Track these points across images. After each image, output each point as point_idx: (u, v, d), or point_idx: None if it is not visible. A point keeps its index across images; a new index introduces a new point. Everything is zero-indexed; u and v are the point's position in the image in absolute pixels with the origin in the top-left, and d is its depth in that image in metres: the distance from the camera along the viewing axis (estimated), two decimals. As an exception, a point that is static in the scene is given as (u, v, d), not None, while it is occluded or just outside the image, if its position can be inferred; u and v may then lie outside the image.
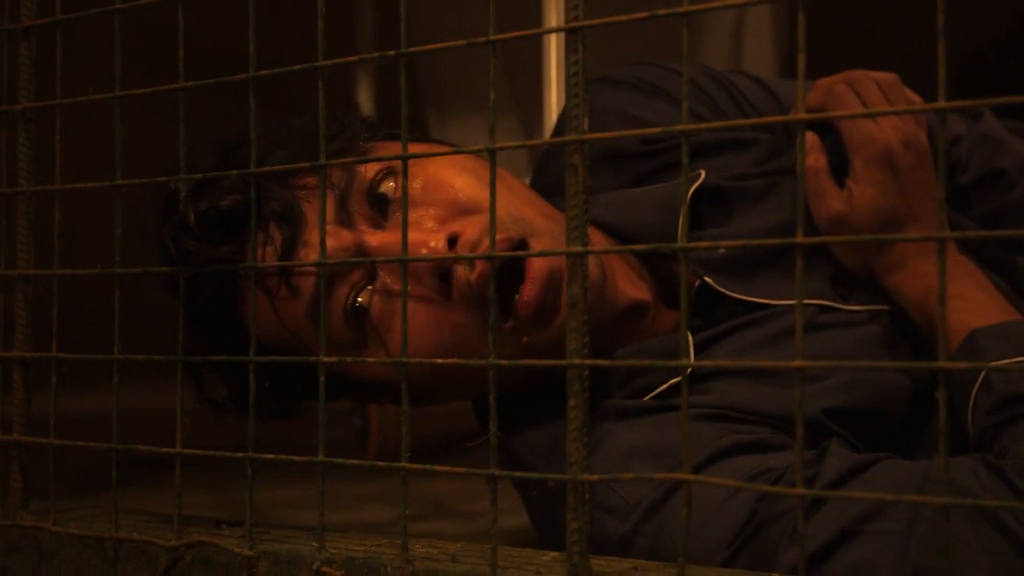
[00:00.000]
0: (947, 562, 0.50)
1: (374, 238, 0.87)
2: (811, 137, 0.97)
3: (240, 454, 0.74)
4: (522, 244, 0.86)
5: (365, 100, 2.05)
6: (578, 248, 0.60)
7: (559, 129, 1.16)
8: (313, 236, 0.86)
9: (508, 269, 0.85)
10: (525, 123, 1.46)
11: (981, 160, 1.04)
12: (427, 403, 0.95)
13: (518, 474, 0.63)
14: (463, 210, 0.87)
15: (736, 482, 0.63)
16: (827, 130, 0.97)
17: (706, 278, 0.96)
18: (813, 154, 0.95)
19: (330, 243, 0.85)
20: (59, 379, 0.83)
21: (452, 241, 0.85)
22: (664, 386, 0.92)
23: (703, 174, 1.00)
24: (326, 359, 0.70)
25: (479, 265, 0.84)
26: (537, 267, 0.84)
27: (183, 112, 0.76)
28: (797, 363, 0.54)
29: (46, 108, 0.84)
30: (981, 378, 0.84)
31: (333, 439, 0.71)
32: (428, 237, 0.85)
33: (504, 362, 0.62)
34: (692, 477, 0.57)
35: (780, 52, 1.89)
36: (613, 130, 1.01)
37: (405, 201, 0.68)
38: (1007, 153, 1.04)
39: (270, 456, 0.73)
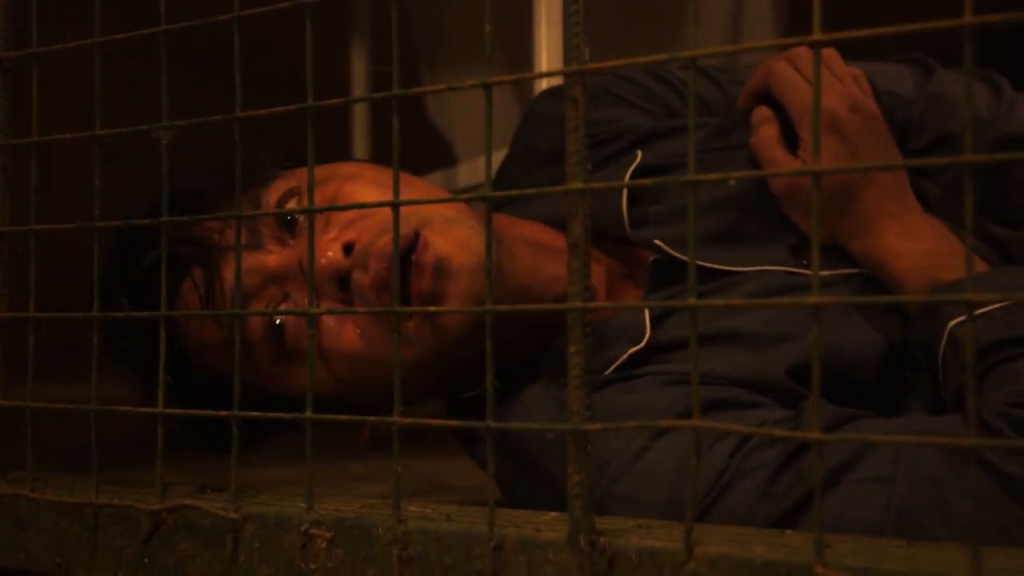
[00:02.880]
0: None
1: (277, 257, 0.90)
2: (763, 110, 0.97)
3: (225, 412, 0.70)
4: (416, 237, 0.87)
5: (359, 68, 2.02)
6: (579, 184, 0.57)
7: (519, 134, 1.16)
8: (229, 270, 0.90)
9: (404, 264, 0.87)
10: (519, 92, 1.44)
11: (933, 123, 1.02)
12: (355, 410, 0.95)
13: (516, 425, 0.59)
14: (362, 217, 0.90)
15: (750, 428, 0.60)
16: (777, 108, 0.98)
17: (660, 243, 0.95)
18: (764, 125, 0.97)
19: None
20: (36, 341, 0.79)
21: (348, 248, 0.88)
22: (624, 356, 0.91)
23: (639, 155, 1.01)
24: (313, 310, 0.67)
25: (372, 268, 0.86)
26: (423, 259, 0.87)
27: (164, 60, 0.73)
28: (813, 299, 0.51)
29: (24, 59, 0.80)
30: (945, 338, 0.83)
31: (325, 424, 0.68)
32: (326, 247, 0.88)
33: (502, 308, 0.58)
34: (701, 423, 0.54)
35: (781, 29, 1.86)
36: (555, 134, 1.04)
37: (396, 154, 0.65)
38: (955, 114, 1.02)
39: (256, 414, 0.70)
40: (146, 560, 0.74)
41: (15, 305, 0.83)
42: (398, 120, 0.63)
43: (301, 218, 0.92)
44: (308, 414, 0.67)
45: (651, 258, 0.96)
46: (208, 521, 0.72)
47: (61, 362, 0.88)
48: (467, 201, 0.86)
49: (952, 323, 0.83)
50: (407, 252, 0.87)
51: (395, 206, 0.64)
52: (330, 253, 0.88)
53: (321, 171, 0.94)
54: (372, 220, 0.89)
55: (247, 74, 0.70)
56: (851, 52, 0.96)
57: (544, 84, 1.22)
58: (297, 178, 0.95)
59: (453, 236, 0.88)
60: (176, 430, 0.86)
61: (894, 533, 0.74)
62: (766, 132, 0.96)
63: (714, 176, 0.53)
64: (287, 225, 0.92)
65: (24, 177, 0.79)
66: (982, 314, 0.81)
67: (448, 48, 1.71)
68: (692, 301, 0.54)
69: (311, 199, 0.68)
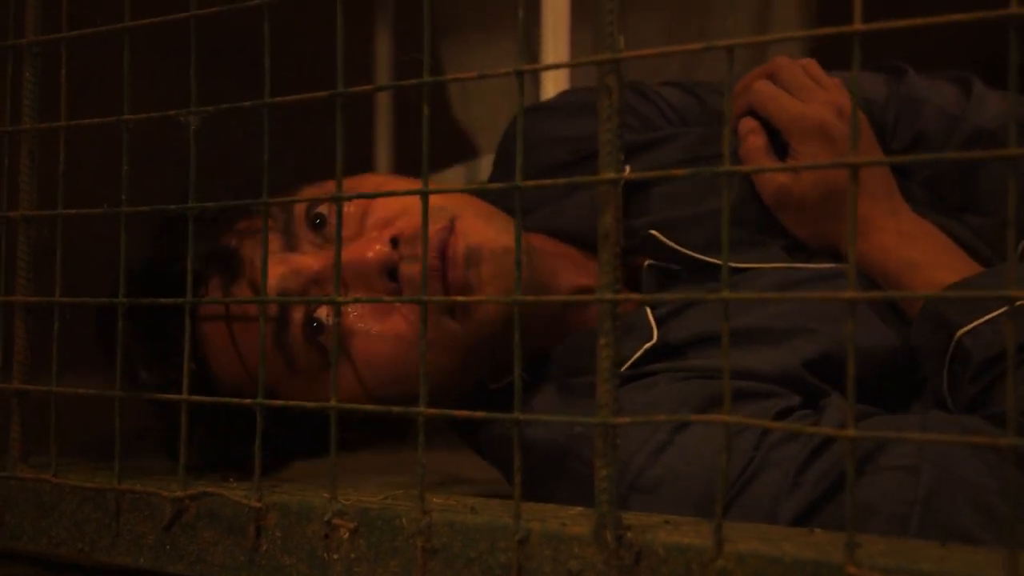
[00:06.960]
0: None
1: (318, 259, 0.90)
2: (750, 121, 0.97)
3: (248, 400, 0.70)
4: (452, 228, 0.89)
5: (383, 56, 2.01)
6: (611, 175, 0.56)
7: (502, 152, 1.15)
8: (257, 276, 0.89)
9: (440, 259, 0.88)
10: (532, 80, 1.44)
11: (907, 124, 1.03)
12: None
13: (544, 417, 0.59)
14: (402, 215, 0.90)
15: (785, 424, 0.59)
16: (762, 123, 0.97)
17: (656, 233, 0.95)
18: (752, 136, 0.96)
19: (280, 269, 0.89)
20: (62, 325, 0.79)
21: (395, 241, 0.89)
22: (639, 352, 0.90)
23: (627, 169, 1.00)
24: (340, 299, 0.66)
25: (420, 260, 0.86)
26: (452, 249, 0.88)
27: (194, 44, 0.73)
28: (849, 294, 0.50)
29: (53, 44, 0.80)
30: (952, 348, 0.82)
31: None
32: (372, 242, 0.89)
33: (531, 298, 0.58)
34: (731, 419, 0.53)
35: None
36: (547, 154, 1.07)
37: (425, 141, 0.64)
38: (928, 115, 1.03)
39: (280, 403, 0.70)
40: (167, 547, 0.74)
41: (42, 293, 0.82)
42: (428, 108, 0.62)
43: (332, 221, 0.91)
44: (332, 403, 0.66)
45: (646, 263, 0.97)
46: (230, 509, 0.71)
47: (89, 358, 0.87)
48: (499, 191, 0.86)
49: (960, 333, 0.81)
50: (446, 245, 0.87)
51: (424, 194, 0.63)
52: (378, 246, 0.88)
53: (348, 183, 0.94)
54: (413, 218, 0.89)
55: (271, 71, 0.69)
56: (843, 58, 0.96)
57: (570, 72, 1.22)
58: (325, 188, 0.94)
59: (483, 226, 0.89)
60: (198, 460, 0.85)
61: (920, 522, 0.73)
62: (754, 142, 0.95)
63: (748, 168, 0.52)
64: (317, 229, 0.92)
65: (53, 164, 0.79)
66: (988, 320, 0.80)
67: (468, 20, 1.68)
68: (724, 294, 0.53)
69: (339, 187, 0.67)
